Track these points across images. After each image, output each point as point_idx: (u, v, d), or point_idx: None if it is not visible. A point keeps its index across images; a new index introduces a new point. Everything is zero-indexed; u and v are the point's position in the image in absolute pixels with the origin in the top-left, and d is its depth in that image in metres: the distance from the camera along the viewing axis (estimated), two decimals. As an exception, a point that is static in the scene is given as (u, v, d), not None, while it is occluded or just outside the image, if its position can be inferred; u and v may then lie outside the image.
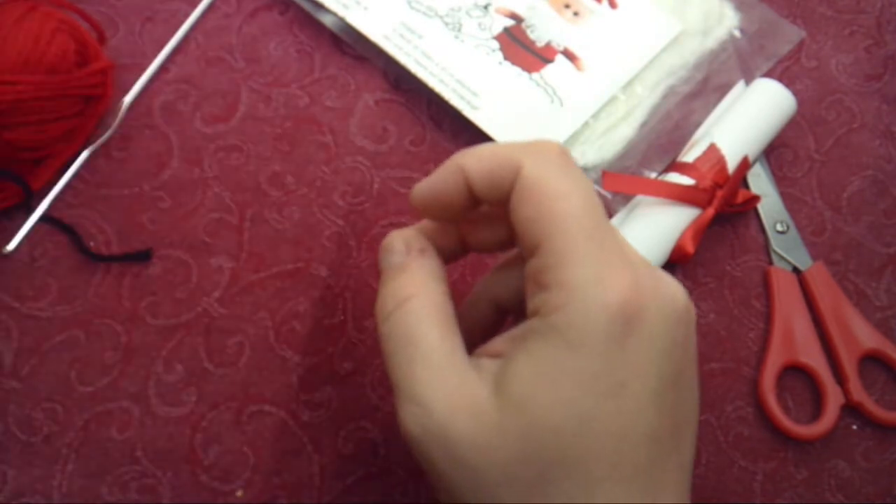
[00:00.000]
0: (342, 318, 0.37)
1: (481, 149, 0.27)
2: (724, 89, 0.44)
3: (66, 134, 0.37)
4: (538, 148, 0.26)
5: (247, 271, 0.38)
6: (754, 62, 0.45)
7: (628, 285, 0.24)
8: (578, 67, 0.43)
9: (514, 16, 0.44)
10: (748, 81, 0.44)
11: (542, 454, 0.24)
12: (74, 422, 0.34)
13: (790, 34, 0.46)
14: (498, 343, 0.27)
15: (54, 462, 0.33)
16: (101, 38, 0.39)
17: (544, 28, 0.44)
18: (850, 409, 0.38)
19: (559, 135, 0.41)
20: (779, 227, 0.42)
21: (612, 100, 0.43)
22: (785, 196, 0.42)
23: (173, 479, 0.34)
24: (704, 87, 0.44)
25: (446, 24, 0.43)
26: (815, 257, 0.41)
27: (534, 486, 0.24)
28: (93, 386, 0.35)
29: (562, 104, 0.42)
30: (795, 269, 0.41)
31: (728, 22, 0.46)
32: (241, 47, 0.43)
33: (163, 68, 0.42)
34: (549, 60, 0.43)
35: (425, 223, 0.30)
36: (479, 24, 0.43)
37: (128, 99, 0.40)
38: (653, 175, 0.41)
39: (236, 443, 0.35)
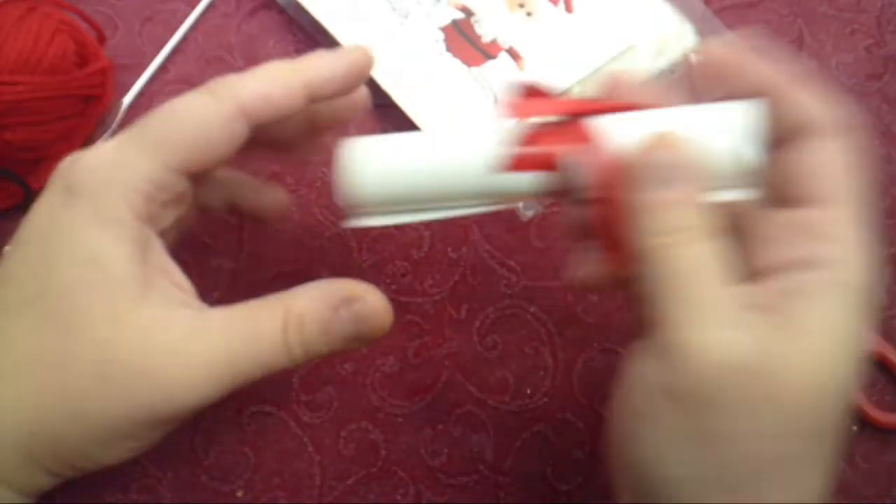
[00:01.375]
0: (342, 318, 0.37)
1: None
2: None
3: (65, 134, 0.37)
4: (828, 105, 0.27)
5: (247, 272, 0.38)
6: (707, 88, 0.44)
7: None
8: (521, 67, 0.43)
9: (465, 9, 0.44)
10: None
11: (835, 405, 0.25)
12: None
13: None
14: (753, 293, 0.25)
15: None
16: (101, 39, 0.39)
17: (493, 24, 0.44)
18: (850, 411, 0.38)
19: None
20: (779, 228, 0.42)
21: None
22: (785, 196, 0.42)
23: (173, 479, 0.34)
24: (647, 106, 0.44)
25: (394, 9, 0.43)
26: (815, 257, 0.41)
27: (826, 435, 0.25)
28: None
29: (496, 101, 0.42)
30: (795, 270, 0.41)
31: (686, 44, 0.45)
32: (240, 46, 0.43)
33: (162, 68, 0.42)
34: (491, 57, 0.43)
35: None
36: (428, 14, 0.43)
37: (127, 99, 0.40)
38: None
39: (236, 443, 0.35)
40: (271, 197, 0.35)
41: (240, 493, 0.34)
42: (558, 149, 0.27)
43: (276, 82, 0.28)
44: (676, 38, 0.45)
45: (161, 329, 0.26)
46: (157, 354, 0.26)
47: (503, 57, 0.43)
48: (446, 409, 0.36)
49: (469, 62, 0.43)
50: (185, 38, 0.43)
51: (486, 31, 0.44)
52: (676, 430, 0.24)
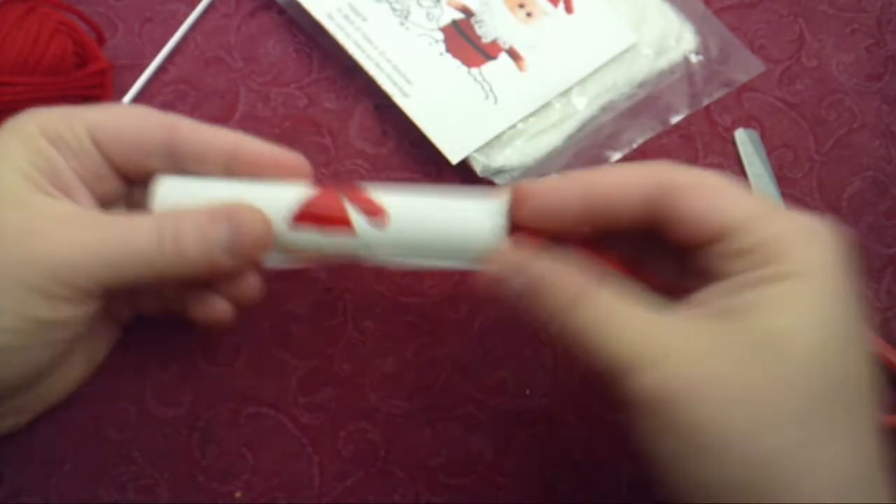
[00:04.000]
0: (342, 319, 0.37)
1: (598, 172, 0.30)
2: (666, 111, 0.44)
3: (64, 134, 0.37)
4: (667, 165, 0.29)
5: (245, 272, 0.38)
6: (706, 89, 0.44)
7: (832, 231, 0.27)
8: (520, 68, 0.43)
9: (465, 10, 0.44)
10: (694, 108, 0.44)
11: (810, 385, 0.24)
12: (71, 421, 0.34)
13: (749, 65, 0.45)
14: (710, 300, 0.27)
15: (51, 462, 0.33)
16: (101, 39, 0.39)
17: (493, 25, 0.44)
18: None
19: (487, 132, 0.41)
20: (779, 228, 0.41)
21: (548, 106, 0.42)
22: (786, 197, 0.42)
23: (171, 480, 0.34)
24: (645, 107, 0.44)
25: (394, 9, 0.43)
26: (815, 258, 0.41)
27: (803, 423, 0.24)
28: (90, 386, 0.35)
29: (496, 102, 0.42)
30: (796, 270, 0.40)
31: (685, 45, 0.45)
32: (239, 47, 0.43)
33: (162, 69, 0.42)
34: (491, 57, 0.43)
35: None
36: (428, 14, 0.43)
37: (126, 99, 0.40)
38: None
39: (234, 444, 0.35)
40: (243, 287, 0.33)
41: (238, 494, 0.34)
42: (345, 209, 0.31)
43: (206, 126, 0.32)
44: (676, 38, 0.45)
45: (35, 207, 0.28)
46: (25, 221, 0.28)
47: (503, 57, 0.43)
48: (445, 410, 0.36)
49: (469, 63, 0.43)
50: (184, 39, 0.43)
51: (486, 31, 0.44)
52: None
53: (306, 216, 0.30)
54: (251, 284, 0.32)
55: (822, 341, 0.25)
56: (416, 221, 0.31)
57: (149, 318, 0.36)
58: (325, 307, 0.37)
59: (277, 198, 0.31)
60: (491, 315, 0.38)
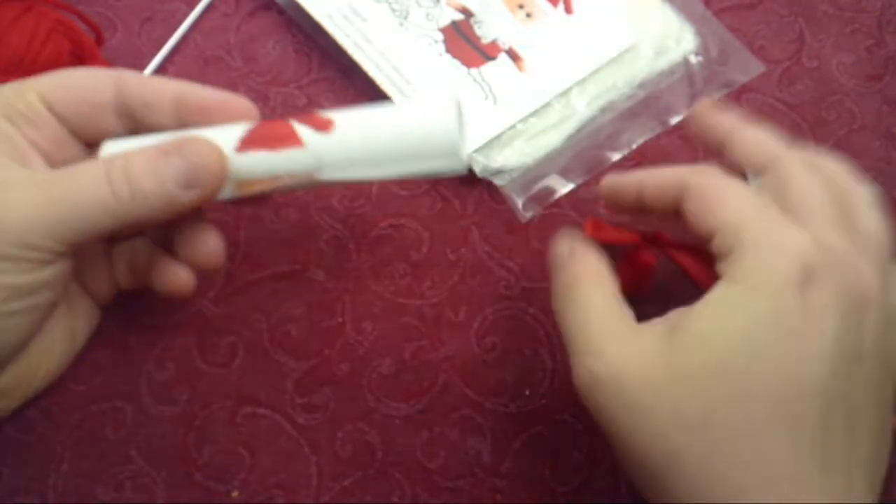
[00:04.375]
0: (340, 320, 0.37)
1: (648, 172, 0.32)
2: (665, 112, 0.43)
3: (62, 134, 0.37)
4: (697, 169, 0.30)
5: (242, 272, 0.38)
6: (706, 90, 0.44)
7: (806, 243, 0.26)
8: (520, 68, 0.43)
9: (464, 10, 0.44)
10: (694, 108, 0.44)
11: (711, 391, 0.25)
12: (69, 421, 0.34)
13: (749, 66, 0.45)
14: (671, 314, 0.28)
15: (49, 461, 0.33)
16: (100, 39, 0.39)
17: (493, 25, 0.44)
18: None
19: (486, 132, 0.41)
20: (779, 229, 0.41)
21: (547, 106, 0.42)
22: (785, 197, 0.42)
23: (168, 479, 0.34)
24: (645, 107, 0.43)
25: (393, 10, 0.43)
26: (815, 259, 0.41)
27: (701, 426, 0.25)
28: (86, 385, 0.35)
29: (495, 102, 0.42)
30: (796, 271, 0.40)
31: (685, 45, 0.45)
32: (239, 47, 0.43)
33: (161, 69, 0.42)
34: (491, 58, 0.43)
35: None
36: (427, 15, 0.43)
37: (125, 99, 0.40)
38: (570, 186, 0.41)
39: (231, 443, 0.35)
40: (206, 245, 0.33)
41: (235, 493, 0.34)
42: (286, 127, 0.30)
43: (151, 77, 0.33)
44: (676, 38, 0.45)
45: None
46: None
47: (503, 58, 0.43)
48: (444, 412, 0.36)
49: (469, 63, 0.43)
50: (184, 39, 0.43)
51: (485, 32, 0.43)
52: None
53: (254, 139, 0.30)
54: (211, 245, 0.32)
55: (731, 348, 0.25)
56: (365, 125, 0.30)
57: (147, 318, 0.36)
58: (324, 307, 0.37)
59: (225, 131, 0.30)
60: (490, 316, 0.38)
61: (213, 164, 0.29)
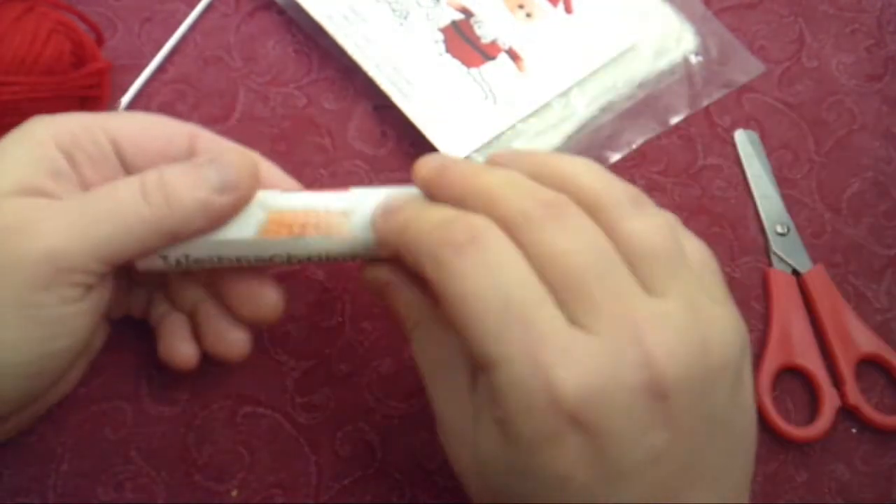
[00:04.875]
0: (340, 319, 0.37)
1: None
2: (665, 112, 0.44)
3: (63, 134, 0.37)
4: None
5: (243, 272, 0.38)
6: (706, 90, 0.44)
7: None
8: (520, 68, 0.43)
9: (464, 10, 0.44)
10: (694, 108, 0.44)
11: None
12: (69, 421, 0.34)
13: (750, 66, 0.45)
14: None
15: (49, 461, 0.33)
16: (100, 39, 0.39)
17: (493, 25, 0.44)
18: (849, 413, 0.38)
19: (486, 133, 0.41)
20: (779, 229, 0.41)
21: (547, 106, 0.42)
22: (785, 198, 0.42)
23: (168, 479, 0.34)
24: (645, 108, 0.43)
25: (394, 10, 0.43)
26: (815, 259, 0.41)
27: None
28: (87, 385, 0.35)
29: (495, 102, 0.42)
30: (795, 272, 0.40)
31: (685, 45, 0.45)
32: (238, 46, 0.43)
33: (161, 69, 0.42)
34: (491, 58, 0.43)
35: None
36: (427, 15, 0.43)
37: (125, 100, 0.40)
38: None
39: (230, 442, 0.35)
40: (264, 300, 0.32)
41: (234, 493, 0.34)
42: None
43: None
44: (676, 38, 0.45)
45: (22, 204, 0.27)
46: (8, 216, 0.26)
47: (503, 58, 0.43)
48: (443, 411, 0.36)
49: (469, 63, 0.43)
50: (184, 39, 0.43)
51: (485, 32, 0.43)
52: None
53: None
54: (269, 297, 0.32)
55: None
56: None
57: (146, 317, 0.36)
58: (324, 307, 0.37)
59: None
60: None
61: (246, 166, 0.29)
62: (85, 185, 0.29)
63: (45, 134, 0.28)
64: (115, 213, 0.27)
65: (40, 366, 0.27)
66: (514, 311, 0.23)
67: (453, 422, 0.26)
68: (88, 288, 0.27)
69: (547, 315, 0.23)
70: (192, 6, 0.43)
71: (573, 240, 0.24)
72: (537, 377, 0.22)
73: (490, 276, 0.23)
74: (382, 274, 0.29)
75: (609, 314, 0.23)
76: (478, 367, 0.24)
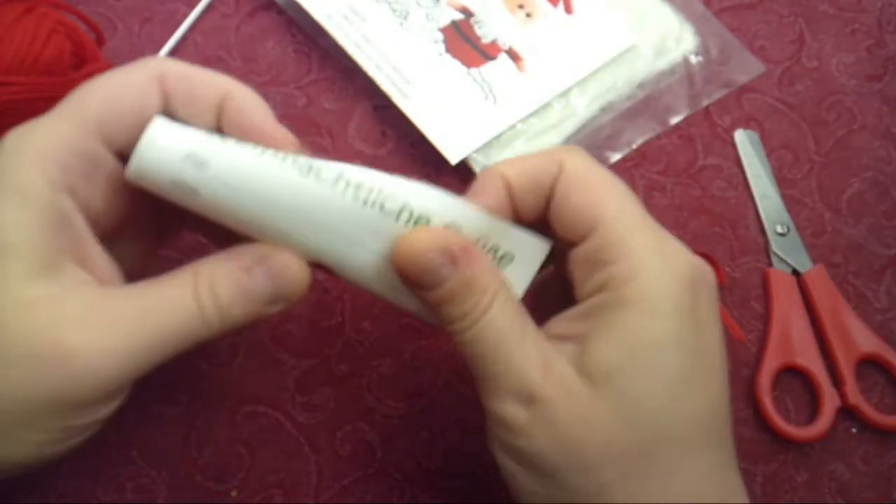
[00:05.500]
0: (340, 319, 0.37)
1: (514, 158, 0.29)
2: (665, 112, 0.44)
3: (63, 134, 0.37)
4: (570, 148, 0.28)
5: (244, 272, 0.38)
6: (705, 90, 0.44)
7: (689, 262, 0.26)
8: (520, 68, 0.43)
9: (464, 10, 0.44)
10: (694, 108, 0.44)
11: (640, 427, 0.25)
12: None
13: (749, 66, 0.45)
14: (562, 325, 0.27)
15: (49, 462, 0.33)
16: (100, 40, 0.39)
17: (493, 25, 0.44)
18: (849, 413, 0.38)
19: (486, 133, 0.41)
20: (779, 229, 0.41)
21: (547, 106, 0.42)
22: (786, 198, 0.42)
23: (168, 479, 0.34)
24: (645, 107, 0.44)
25: (394, 10, 0.43)
26: (815, 259, 0.41)
27: (635, 460, 0.25)
28: (88, 386, 0.35)
29: (495, 102, 0.42)
30: (795, 272, 0.40)
31: (685, 45, 0.45)
32: (238, 47, 0.43)
33: (161, 69, 0.42)
34: (491, 58, 0.43)
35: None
36: (427, 15, 0.43)
37: (126, 99, 0.40)
38: None
39: (231, 442, 0.35)
40: None
41: (234, 493, 0.34)
42: None
43: (196, 70, 0.28)
44: (676, 38, 0.45)
45: (54, 305, 0.24)
46: (46, 330, 0.23)
47: (503, 58, 0.43)
48: (443, 413, 0.36)
49: (469, 63, 0.43)
50: (184, 39, 0.43)
51: (485, 32, 0.43)
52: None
53: None
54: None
55: (649, 386, 0.25)
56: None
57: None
58: (324, 307, 0.37)
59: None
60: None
61: (298, 277, 0.27)
62: (84, 229, 0.26)
63: (36, 174, 0.24)
64: (166, 330, 0.25)
65: (61, 453, 0.26)
66: None
67: None
68: (124, 392, 0.26)
69: None
70: (192, 6, 0.43)
71: None
72: None
73: None
74: None
75: None
76: None
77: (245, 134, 0.27)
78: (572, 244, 0.27)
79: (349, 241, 0.27)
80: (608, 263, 0.26)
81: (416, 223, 0.27)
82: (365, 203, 0.26)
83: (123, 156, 0.26)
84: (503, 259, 0.28)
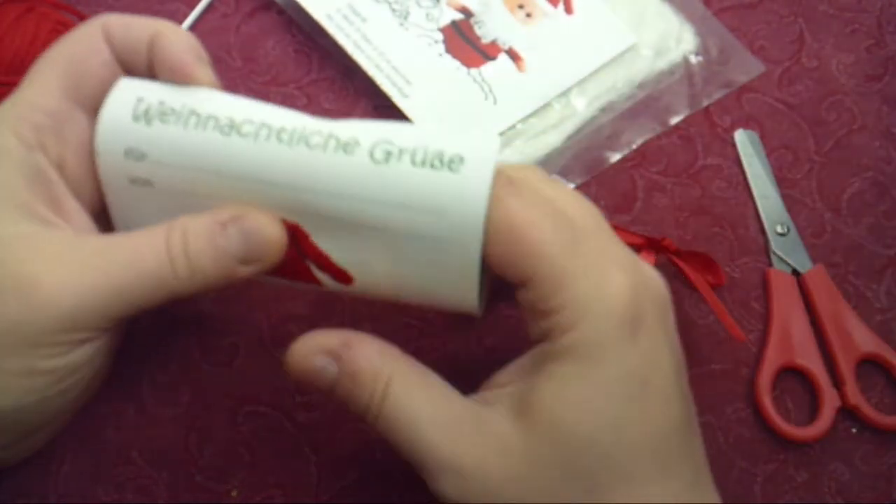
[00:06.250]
0: (340, 319, 0.37)
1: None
2: (665, 112, 0.44)
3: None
4: (502, 174, 0.26)
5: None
6: (705, 90, 0.44)
7: (627, 286, 0.25)
8: (520, 68, 0.43)
9: (464, 10, 0.44)
10: (694, 108, 0.44)
11: (586, 470, 0.24)
12: (70, 422, 0.34)
13: (750, 66, 0.45)
14: (504, 376, 0.27)
15: (50, 462, 0.33)
16: (100, 39, 0.39)
17: (493, 25, 0.44)
18: (849, 413, 0.38)
19: (486, 133, 0.41)
20: (779, 229, 0.41)
21: (547, 106, 0.42)
22: (785, 198, 0.42)
23: (169, 480, 0.34)
24: (645, 108, 0.43)
25: (393, 10, 0.43)
26: (815, 259, 0.41)
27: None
28: (88, 386, 0.35)
29: (495, 102, 0.42)
30: (795, 272, 0.40)
31: (685, 45, 0.45)
32: (239, 47, 0.43)
33: (161, 69, 0.42)
34: (491, 58, 0.43)
35: None
36: (427, 15, 0.43)
37: (126, 99, 0.40)
38: (570, 186, 0.41)
39: (231, 442, 0.35)
40: None
41: (234, 493, 0.34)
42: None
43: (134, 18, 0.29)
44: (676, 38, 0.45)
45: (30, 241, 0.26)
46: (17, 263, 0.25)
47: (503, 58, 0.43)
48: (443, 411, 0.36)
49: (468, 63, 0.43)
50: (184, 39, 0.43)
51: (485, 32, 0.44)
52: None
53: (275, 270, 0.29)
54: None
55: (590, 429, 0.24)
56: (386, 283, 0.29)
57: (149, 318, 0.36)
58: (324, 307, 0.37)
59: None
60: (490, 316, 0.38)
61: (272, 238, 0.27)
62: (60, 183, 0.28)
63: (11, 137, 0.27)
64: (136, 276, 0.26)
65: (38, 408, 0.27)
66: None
67: None
68: (92, 340, 0.27)
69: None
70: (192, 6, 0.43)
71: None
72: None
73: None
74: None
75: None
76: None
77: (170, 72, 0.28)
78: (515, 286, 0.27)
79: (294, 188, 0.27)
80: (547, 314, 0.25)
81: (345, 149, 0.26)
82: (290, 143, 0.26)
83: (96, 109, 0.28)
84: (452, 162, 0.26)
